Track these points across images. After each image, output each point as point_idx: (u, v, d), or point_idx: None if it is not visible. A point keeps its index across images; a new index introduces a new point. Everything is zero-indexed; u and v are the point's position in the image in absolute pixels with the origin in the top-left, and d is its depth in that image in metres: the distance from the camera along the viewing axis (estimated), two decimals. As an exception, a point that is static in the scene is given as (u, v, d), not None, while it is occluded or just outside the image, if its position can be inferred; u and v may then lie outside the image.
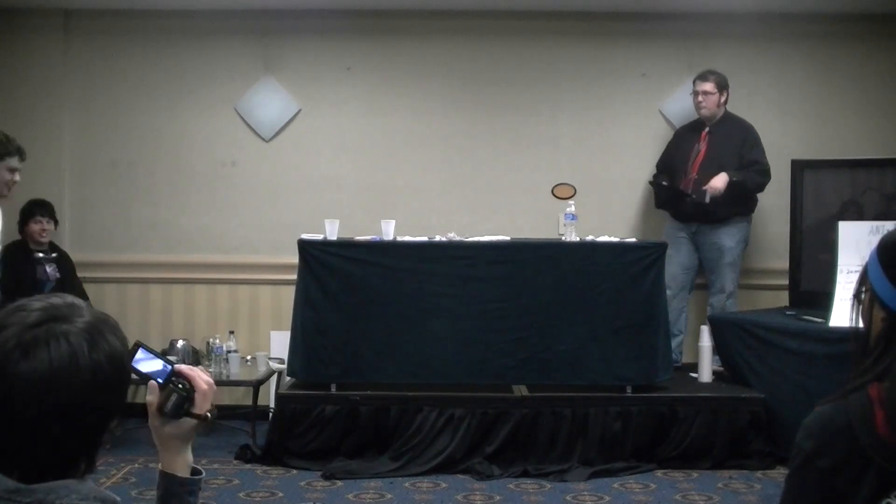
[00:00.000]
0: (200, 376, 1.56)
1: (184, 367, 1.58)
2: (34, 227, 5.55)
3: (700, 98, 5.73)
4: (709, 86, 5.72)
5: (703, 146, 5.75)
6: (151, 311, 6.16)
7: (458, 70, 6.21)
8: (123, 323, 1.49)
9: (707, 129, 5.78)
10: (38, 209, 5.58)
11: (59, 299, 1.39)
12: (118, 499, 1.37)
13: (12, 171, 4.13)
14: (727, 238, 5.72)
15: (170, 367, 1.55)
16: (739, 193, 5.64)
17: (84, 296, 5.42)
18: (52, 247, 5.66)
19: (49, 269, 5.53)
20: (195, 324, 6.12)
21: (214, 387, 1.59)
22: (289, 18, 6.13)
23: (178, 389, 1.53)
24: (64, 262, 5.66)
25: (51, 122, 6.14)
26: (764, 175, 5.69)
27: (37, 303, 1.37)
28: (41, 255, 5.56)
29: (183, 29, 6.16)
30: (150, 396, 1.53)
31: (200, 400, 1.55)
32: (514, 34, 6.19)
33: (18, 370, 1.29)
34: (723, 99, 5.76)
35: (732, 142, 5.73)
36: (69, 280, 5.58)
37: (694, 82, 5.78)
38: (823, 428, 1.42)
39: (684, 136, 5.88)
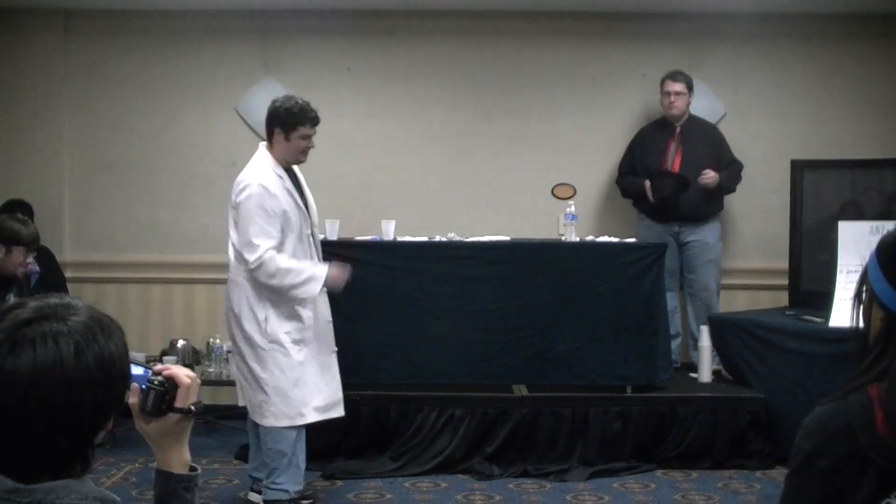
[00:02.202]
0: (181, 371, 1.58)
1: (161, 366, 1.59)
2: None
3: (672, 98, 5.76)
4: (680, 86, 5.76)
5: (679, 146, 5.78)
6: (151, 311, 6.16)
7: (458, 70, 6.20)
8: (124, 323, 1.49)
9: (678, 129, 5.81)
10: (17, 208, 5.61)
11: (56, 299, 1.40)
12: (118, 499, 1.37)
13: (305, 137, 4.28)
14: (710, 236, 5.83)
15: (149, 371, 1.58)
16: (720, 193, 5.79)
17: (65, 288, 5.50)
18: None
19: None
20: (195, 324, 6.11)
21: (198, 380, 1.60)
22: (289, 18, 6.12)
23: (154, 386, 1.55)
24: (42, 255, 5.66)
25: (51, 122, 6.14)
26: (740, 172, 5.84)
27: (33, 301, 1.38)
28: None
29: (183, 29, 6.16)
30: (133, 399, 1.55)
31: (184, 394, 1.57)
32: (514, 34, 6.18)
33: (4, 366, 1.30)
34: (691, 100, 5.83)
35: (706, 142, 5.81)
36: (50, 272, 5.57)
37: (664, 82, 5.80)
38: (823, 428, 1.42)
39: (654, 137, 5.89)
